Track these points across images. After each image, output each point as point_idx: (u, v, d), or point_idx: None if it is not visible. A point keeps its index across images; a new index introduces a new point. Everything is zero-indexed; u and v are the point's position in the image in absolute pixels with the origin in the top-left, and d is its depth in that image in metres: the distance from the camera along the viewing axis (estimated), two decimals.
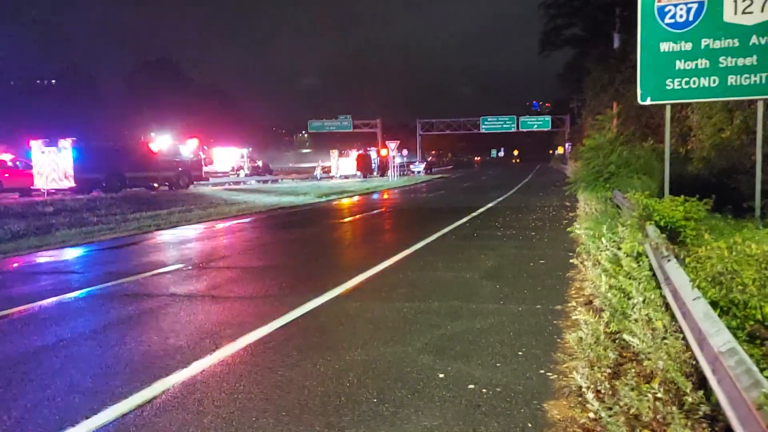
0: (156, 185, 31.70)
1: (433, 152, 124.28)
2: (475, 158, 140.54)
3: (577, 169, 22.08)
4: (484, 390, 4.28)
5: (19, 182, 27.67)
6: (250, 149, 60.77)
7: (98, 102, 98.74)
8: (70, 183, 27.17)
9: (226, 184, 40.52)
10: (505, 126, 76.27)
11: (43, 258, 12.01)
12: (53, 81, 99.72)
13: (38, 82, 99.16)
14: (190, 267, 10.13)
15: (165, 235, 15.31)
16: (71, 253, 12.58)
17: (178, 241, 14.23)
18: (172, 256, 11.60)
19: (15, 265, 11.35)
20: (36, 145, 27.92)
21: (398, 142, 55.27)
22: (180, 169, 33.49)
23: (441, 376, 4.58)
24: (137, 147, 34.25)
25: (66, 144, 27.33)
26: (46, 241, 14.12)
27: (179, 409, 4.13)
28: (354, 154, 59.12)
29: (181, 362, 5.08)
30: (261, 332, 5.92)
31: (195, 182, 35.11)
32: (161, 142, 35.35)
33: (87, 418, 4.02)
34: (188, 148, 35.68)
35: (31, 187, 27.20)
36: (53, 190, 27.39)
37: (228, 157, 57.17)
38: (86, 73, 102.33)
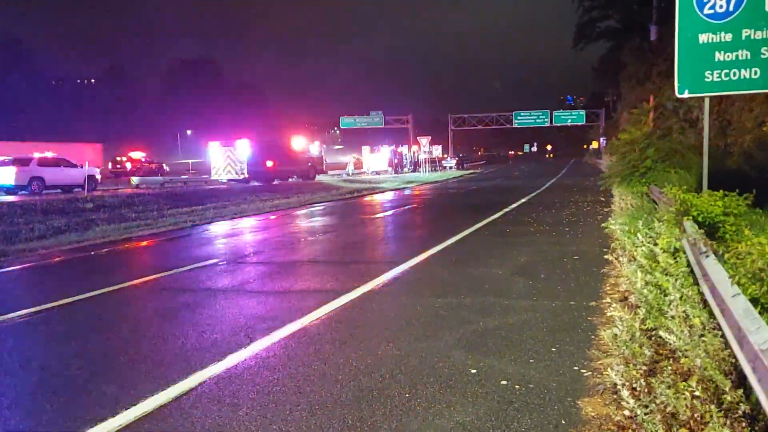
0: (293, 177, 38.55)
1: (475, 148, 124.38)
2: (509, 153, 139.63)
3: (613, 164, 21.71)
4: (517, 386, 4.25)
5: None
6: None
7: (137, 100, 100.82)
8: (245, 175, 34.10)
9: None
10: (538, 121, 75.53)
11: (84, 253, 12.33)
12: (93, 81, 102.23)
13: (78, 81, 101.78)
14: (224, 262, 10.29)
15: (201, 231, 15.58)
16: (109, 249, 12.88)
17: (213, 237, 14.47)
18: (207, 251, 11.80)
19: (57, 259, 11.67)
20: (214, 145, 35.30)
21: (430, 137, 55.25)
22: (310, 164, 41.27)
23: (473, 371, 4.57)
24: (284, 146, 41.76)
25: (243, 143, 34.52)
26: (85, 236, 14.48)
27: (215, 401, 4.21)
28: (385, 150, 59.13)
29: (217, 355, 5.17)
30: (294, 326, 5.98)
31: (318, 174, 42.01)
32: (298, 142, 43.09)
33: (126, 408, 4.12)
34: (315, 147, 45.11)
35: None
36: (224, 181, 34.31)
37: None
38: (125, 73, 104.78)
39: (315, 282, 8.30)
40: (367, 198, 26.47)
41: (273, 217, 18.87)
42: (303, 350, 5.26)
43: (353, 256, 10.76)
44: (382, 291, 7.55)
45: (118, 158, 53.21)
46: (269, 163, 35.43)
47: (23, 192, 25.41)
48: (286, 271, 9.31)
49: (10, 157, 26.96)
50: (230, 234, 15.01)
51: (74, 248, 12.99)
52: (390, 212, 19.09)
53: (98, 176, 30.83)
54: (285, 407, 4.05)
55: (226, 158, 34.89)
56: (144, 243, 13.78)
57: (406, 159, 61.46)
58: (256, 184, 33.18)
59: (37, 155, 27.58)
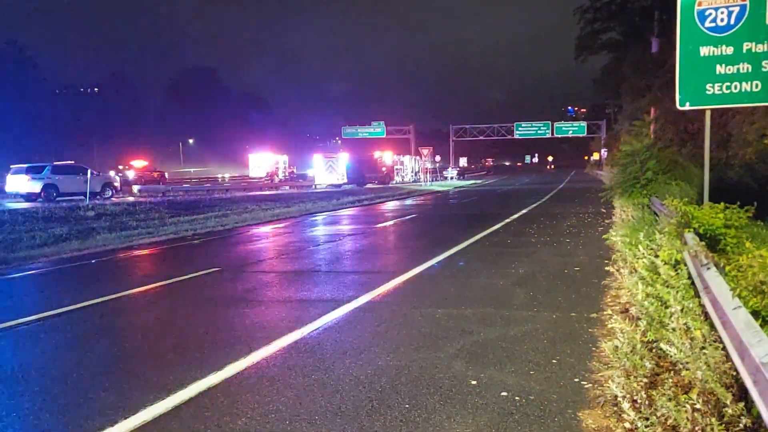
0: (375, 182, 48.98)
1: (489, 159, 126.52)
2: (518, 164, 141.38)
3: (614, 176, 21.73)
4: (517, 398, 4.24)
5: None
6: (287, 157, 61.80)
7: (140, 109, 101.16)
8: (344, 180, 47.62)
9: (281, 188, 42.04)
10: (539, 132, 75.70)
11: (85, 261, 12.33)
12: (96, 89, 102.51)
13: (81, 90, 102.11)
14: (225, 270, 10.28)
15: (202, 239, 15.57)
16: (110, 257, 12.88)
17: (214, 245, 14.46)
18: (208, 259, 11.79)
19: (58, 267, 11.67)
20: (318, 157, 50.20)
21: (431, 148, 55.88)
22: (385, 171, 53.27)
23: (473, 382, 4.56)
24: (368, 157, 54.22)
25: (344, 156, 50.65)
26: (86, 244, 14.50)
27: (213, 410, 4.20)
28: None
29: (216, 365, 5.15)
30: (294, 336, 5.98)
31: (390, 181, 52.97)
32: (377, 154, 55.24)
33: (125, 417, 4.11)
34: (388, 158, 55.93)
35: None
36: (325, 185, 45.87)
37: (263, 163, 57.98)
38: (128, 82, 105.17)
39: (316, 291, 8.30)
40: (366, 207, 26.49)
41: (275, 226, 18.87)
42: (303, 360, 5.25)
43: (353, 265, 10.76)
44: (382, 301, 7.53)
45: (120, 167, 53.38)
46: (360, 171, 48.65)
47: (39, 200, 25.37)
48: (287, 281, 9.31)
49: (24, 165, 27.11)
50: (231, 242, 15.01)
51: (75, 256, 13.00)
52: (393, 222, 19.09)
53: (116, 183, 30.69)
54: (285, 417, 4.04)
55: (328, 167, 48.26)
56: (145, 251, 13.78)
57: (406, 169, 61.62)
58: (348, 187, 43.29)
59: (54, 163, 27.78)
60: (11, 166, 27.93)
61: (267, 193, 36.00)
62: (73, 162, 30.07)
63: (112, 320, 7.19)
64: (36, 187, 25.89)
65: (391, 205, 27.78)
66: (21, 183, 26.04)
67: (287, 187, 46.82)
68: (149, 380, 4.88)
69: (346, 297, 7.65)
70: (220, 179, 60.87)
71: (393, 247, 13.57)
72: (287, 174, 59.04)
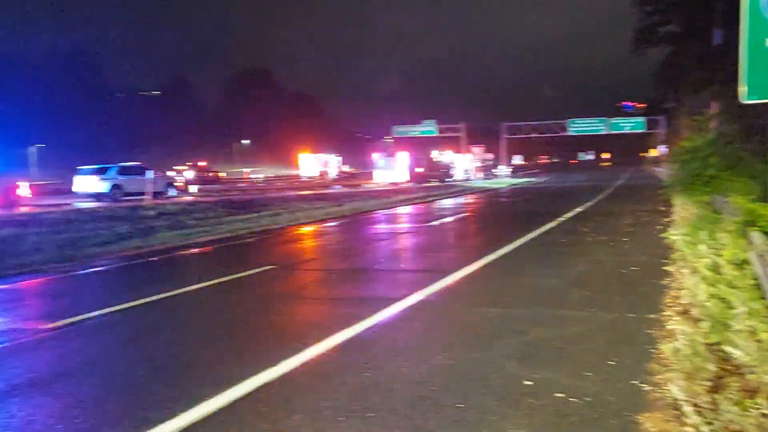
0: (432, 181, 49.84)
1: (543, 156, 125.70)
2: (571, 161, 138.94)
3: (674, 172, 21.04)
4: (572, 399, 4.16)
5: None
6: (341, 157, 62.82)
7: (197, 111, 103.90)
8: (407, 177, 49.73)
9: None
10: (594, 128, 73.89)
11: (146, 258, 12.76)
12: (157, 92, 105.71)
13: (141, 93, 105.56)
14: (279, 268, 10.46)
15: (256, 237, 15.89)
16: (170, 254, 13.29)
17: (268, 243, 14.73)
18: (263, 257, 12.03)
19: (121, 264, 12.12)
20: (377, 156, 54.30)
21: (483, 146, 55.99)
22: (441, 171, 54.74)
23: (528, 383, 4.50)
24: (425, 156, 56.12)
25: (402, 154, 52.19)
26: (147, 242, 14.99)
27: (269, 406, 4.28)
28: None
29: (270, 361, 5.23)
30: (347, 333, 6.02)
31: (446, 179, 54.18)
32: (434, 154, 57.88)
33: (183, 411, 4.23)
34: (445, 158, 58.53)
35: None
36: (385, 183, 47.02)
37: (315, 163, 58.79)
38: (186, 84, 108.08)
39: (368, 289, 8.36)
40: (417, 205, 26.47)
41: (327, 224, 19.08)
42: (356, 358, 5.29)
43: (406, 263, 10.78)
44: (434, 300, 7.51)
45: (181, 167, 55.06)
46: (419, 170, 51.22)
47: (107, 199, 26.36)
48: (340, 278, 9.40)
49: (93, 167, 28.33)
50: (285, 240, 15.26)
51: (137, 254, 13.46)
52: (445, 220, 19.02)
53: (180, 183, 31.90)
54: (338, 414, 4.08)
55: (387, 165, 51.42)
56: (202, 249, 14.16)
57: (458, 167, 61.23)
58: (405, 185, 44.12)
59: (121, 164, 28.98)
60: (78, 168, 29.18)
61: (319, 192, 36.40)
62: (139, 163, 31.20)
63: (172, 316, 7.42)
64: (104, 186, 27.01)
65: (443, 203, 27.69)
66: (90, 183, 27.22)
67: (339, 186, 47.20)
68: (207, 375, 5.02)
69: (399, 295, 7.66)
70: (253, 180, 62.13)
71: (445, 246, 13.52)
72: (339, 173, 59.74)
